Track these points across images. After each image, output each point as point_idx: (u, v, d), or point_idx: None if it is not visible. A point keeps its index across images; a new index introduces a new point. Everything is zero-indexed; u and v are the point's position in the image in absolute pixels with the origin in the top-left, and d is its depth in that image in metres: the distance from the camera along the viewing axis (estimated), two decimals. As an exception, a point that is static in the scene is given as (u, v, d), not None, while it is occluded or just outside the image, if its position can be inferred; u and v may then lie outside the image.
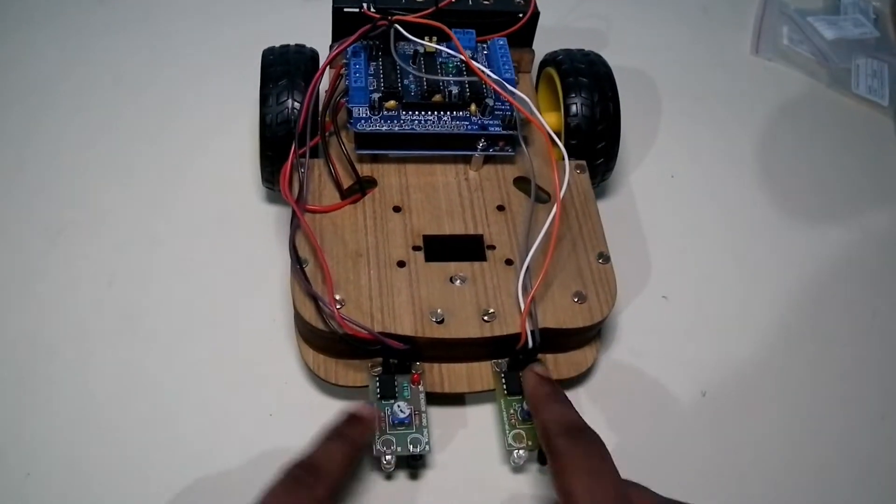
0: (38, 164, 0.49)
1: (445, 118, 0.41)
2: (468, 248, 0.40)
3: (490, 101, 0.41)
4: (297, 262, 0.37)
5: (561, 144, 0.40)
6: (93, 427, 0.38)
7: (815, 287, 0.47)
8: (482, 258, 0.39)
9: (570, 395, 0.40)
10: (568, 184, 0.40)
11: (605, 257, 0.40)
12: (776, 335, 0.45)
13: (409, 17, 0.42)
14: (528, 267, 0.37)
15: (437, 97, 0.41)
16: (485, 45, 0.44)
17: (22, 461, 0.37)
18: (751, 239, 0.49)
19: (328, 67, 0.42)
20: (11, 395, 0.39)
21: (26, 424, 0.38)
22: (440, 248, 0.39)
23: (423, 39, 0.42)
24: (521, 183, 0.42)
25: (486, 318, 0.37)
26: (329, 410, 0.36)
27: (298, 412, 0.39)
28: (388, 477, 0.37)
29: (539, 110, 0.42)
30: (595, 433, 0.32)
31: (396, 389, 0.36)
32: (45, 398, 0.39)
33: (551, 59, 0.47)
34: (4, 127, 0.50)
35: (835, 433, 0.41)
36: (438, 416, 0.39)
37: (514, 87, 0.40)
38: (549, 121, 0.42)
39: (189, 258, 0.45)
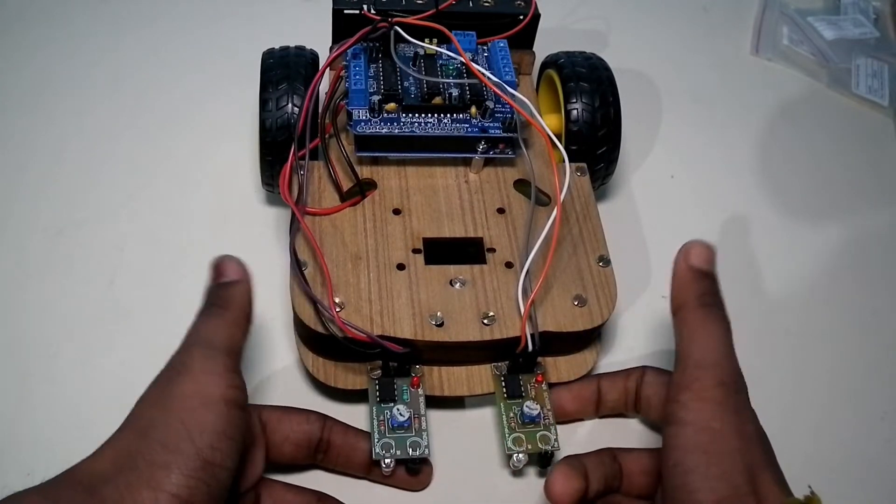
0: (39, 165, 0.48)
1: (445, 120, 0.41)
2: (468, 250, 0.40)
3: (490, 104, 0.41)
4: (297, 264, 0.37)
5: (561, 147, 0.40)
6: (93, 427, 0.37)
7: (814, 287, 0.47)
8: (482, 261, 0.39)
9: (570, 398, 0.41)
10: (568, 186, 0.40)
11: (605, 260, 0.40)
12: (775, 335, 0.45)
13: (410, 19, 0.42)
14: (528, 270, 0.37)
15: (438, 99, 0.41)
16: (485, 47, 0.44)
17: (22, 461, 0.37)
18: (750, 239, 0.49)
19: (328, 69, 0.42)
20: (11, 395, 0.39)
21: (26, 424, 0.38)
22: (440, 251, 0.39)
23: (424, 41, 0.42)
24: (522, 185, 0.42)
25: (485, 321, 0.37)
26: (328, 412, 0.37)
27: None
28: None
29: (539, 112, 0.42)
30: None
31: (396, 393, 0.36)
32: (45, 398, 0.39)
33: (552, 62, 0.47)
34: (5, 127, 0.50)
35: (834, 433, 0.41)
36: (438, 420, 0.39)
37: (515, 90, 0.40)
38: (549, 123, 0.42)
39: (189, 259, 0.45)
